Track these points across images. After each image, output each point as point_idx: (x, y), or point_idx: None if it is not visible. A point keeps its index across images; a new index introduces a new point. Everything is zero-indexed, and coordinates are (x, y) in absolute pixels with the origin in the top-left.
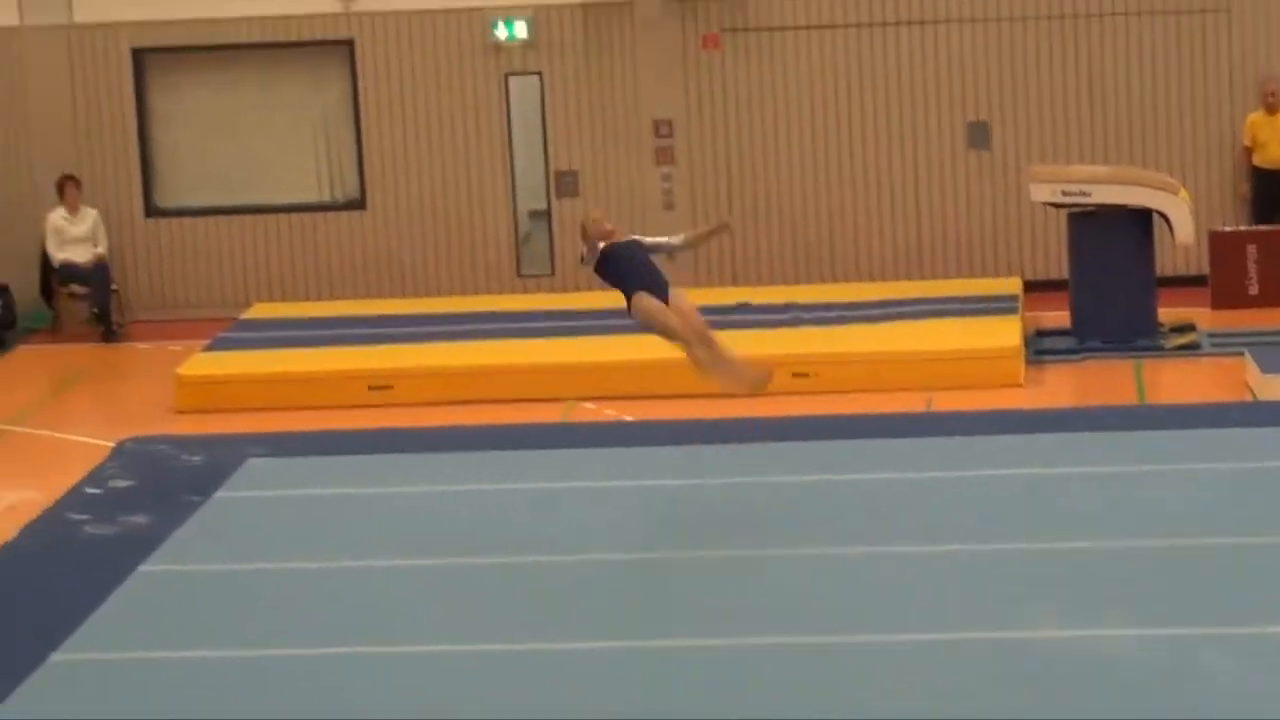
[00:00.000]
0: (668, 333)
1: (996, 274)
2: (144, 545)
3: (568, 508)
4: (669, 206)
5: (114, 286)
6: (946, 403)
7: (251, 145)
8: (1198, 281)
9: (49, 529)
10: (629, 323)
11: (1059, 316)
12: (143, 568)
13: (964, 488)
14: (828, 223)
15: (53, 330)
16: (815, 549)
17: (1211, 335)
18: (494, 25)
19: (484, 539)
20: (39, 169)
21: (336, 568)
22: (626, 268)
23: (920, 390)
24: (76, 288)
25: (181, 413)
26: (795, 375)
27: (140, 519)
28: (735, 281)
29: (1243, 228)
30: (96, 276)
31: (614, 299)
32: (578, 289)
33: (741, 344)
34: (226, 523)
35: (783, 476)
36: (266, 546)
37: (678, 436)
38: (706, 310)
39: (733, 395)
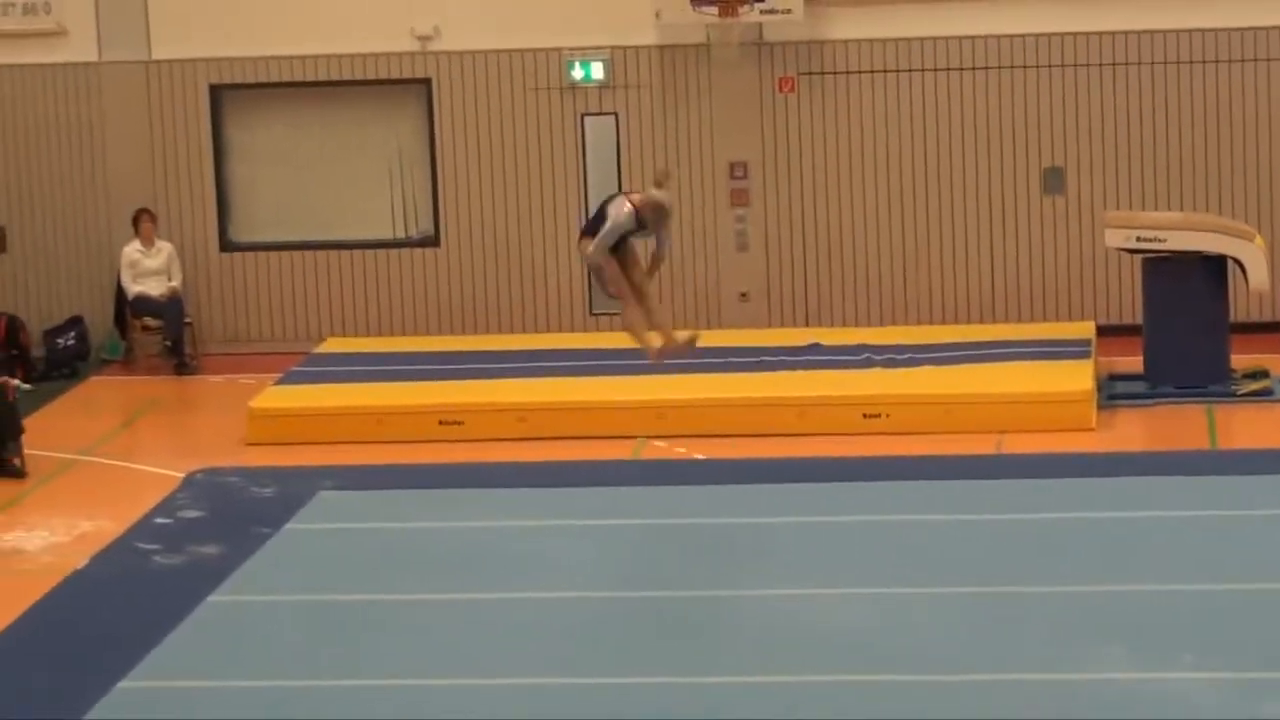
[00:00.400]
0: (614, 284)
1: (1070, 318)
2: (213, 575)
3: (637, 544)
4: (743, 248)
5: (187, 319)
6: (1017, 445)
7: (326, 181)
8: (1271, 328)
9: (119, 558)
10: (699, 362)
11: (1132, 361)
12: (211, 598)
13: (1033, 530)
14: (901, 265)
15: (126, 362)
16: (883, 588)
17: None
18: (570, 66)
19: (553, 574)
20: (115, 202)
21: (405, 601)
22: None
23: (991, 432)
24: (150, 320)
25: (253, 445)
26: (867, 416)
27: (210, 549)
28: (808, 322)
29: None
30: (170, 309)
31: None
32: (649, 328)
33: (813, 384)
34: (296, 554)
35: (853, 516)
36: (336, 579)
37: (747, 475)
38: (778, 351)
39: (667, 356)
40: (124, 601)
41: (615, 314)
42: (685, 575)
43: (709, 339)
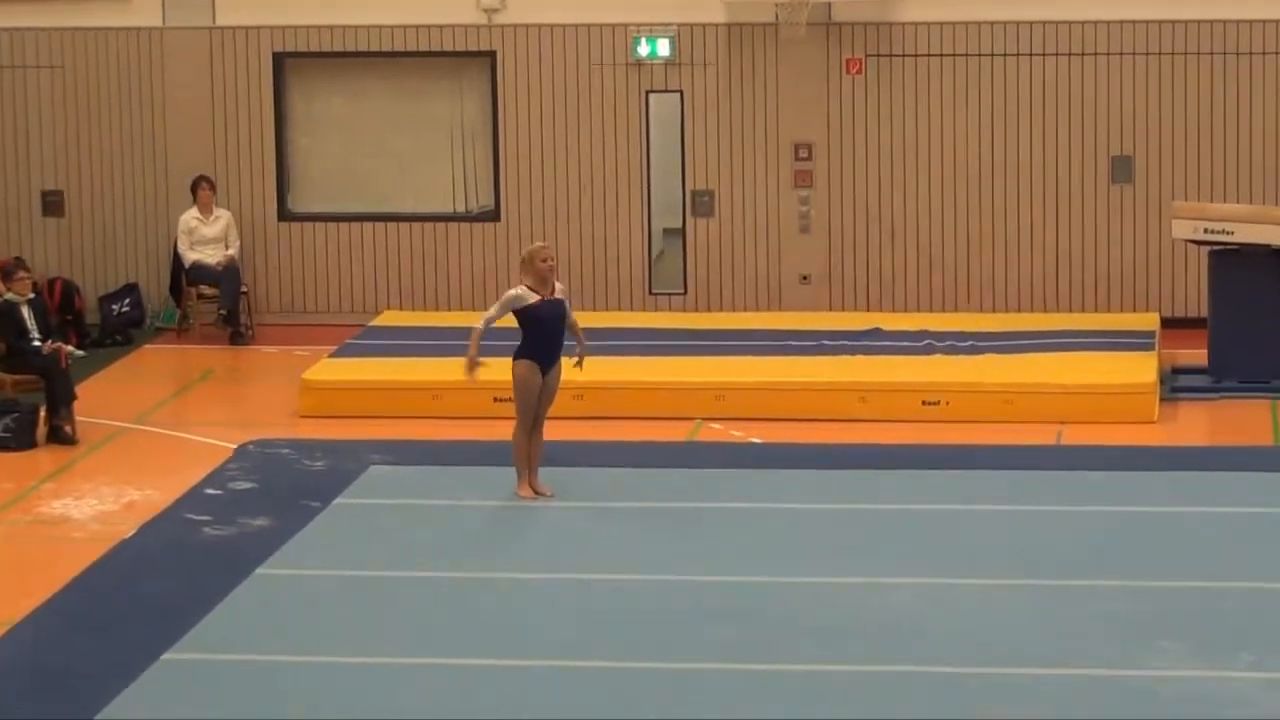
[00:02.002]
0: (523, 413)
1: (1134, 309)
2: (262, 548)
3: (692, 529)
4: (805, 230)
5: (244, 289)
6: (1077, 436)
7: (387, 153)
8: None
9: (167, 528)
10: (759, 344)
11: (1196, 354)
12: (260, 570)
13: (1092, 523)
14: (964, 251)
15: (180, 330)
16: (938, 578)
17: None
18: (636, 42)
19: (605, 557)
20: (174, 169)
21: (453, 578)
22: (548, 333)
23: (1052, 423)
24: (206, 288)
25: (305, 417)
26: (926, 403)
27: (260, 521)
28: (869, 307)
29: None
30: (226, 278)
31: (746, 321)
32: (709, 308)
33: (873, 370)
34: (346, 528)
35: (909, 504)
36: (386, 553)
37: (804, 460)
38: (839, 335)
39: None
40: (171, 572)
41: (676, 294)
42: (740, 561)
43: (770, 321)
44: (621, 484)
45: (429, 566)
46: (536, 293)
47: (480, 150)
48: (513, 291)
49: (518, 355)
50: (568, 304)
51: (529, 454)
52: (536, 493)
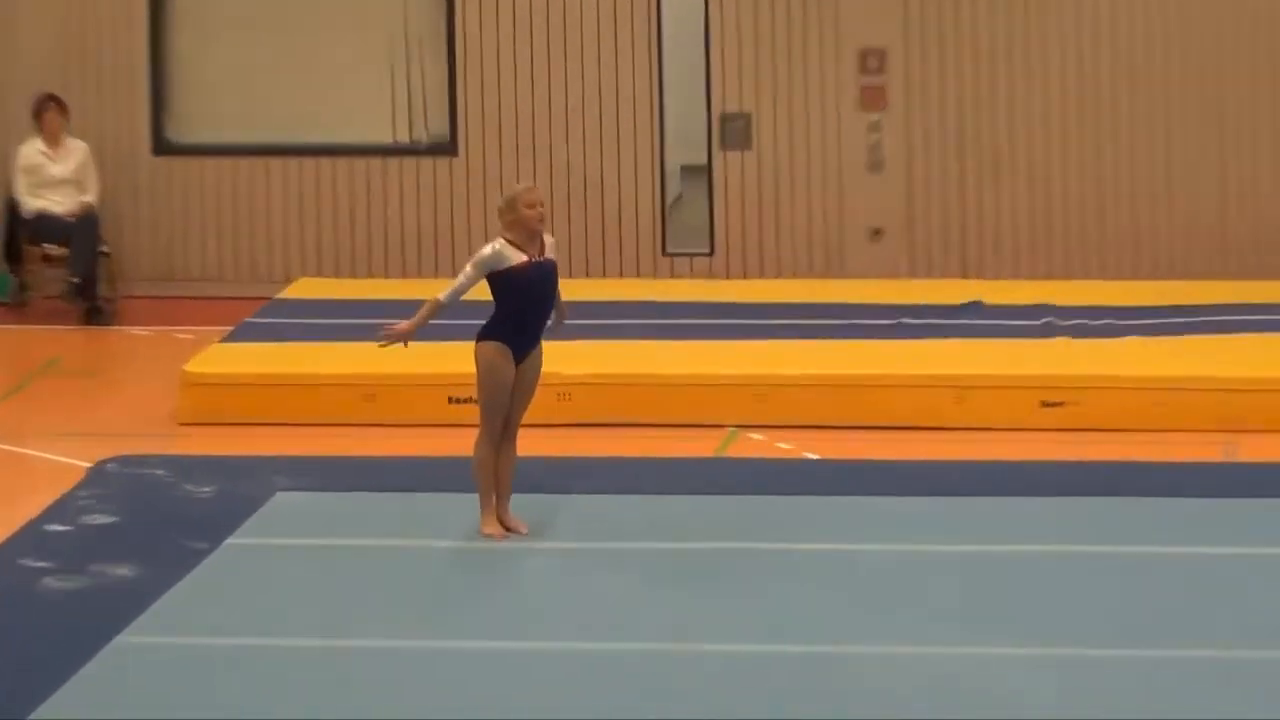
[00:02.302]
0: (489, 415)
1: None
2: (124, 607)
3: (722, 580)
4: (876, 166)
5: (103, 248)
6: (1253, 451)
7: (303, 64)
8: None
9: None
10: (814, 325)
11: None
12: (122, 638)
13: (1274, 572)
14: (1095, 196)
15: (17, 304)
16: (1064, 648)
17: None
18: None
19: (601, 620)
20: (11, 86)
21: (390, 649)
22: (532, 305)
23: (1218, 432)
24: (52, 248)
25: (187, 425)
26: (1045, 405)
27: (122, 570)
28: (964, 271)
29: None
30: (80, 233)
31: (794, 291)
32: (744, 274)
33: (971, 359)
34: (241, 580)
35: (1021, 544)
36: (296, 615)
37: (875, 483)
38: (923, 310)
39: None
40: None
41: (700, 254)
42: (789, 626)
43: (828, 291)
44: (624, 518)
45: (354, 633)
46: (522, 251)
47: (431, 61)
48: (488, 249)
49: (485, 334)
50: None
51: (497, 475)
52: (507, 529)
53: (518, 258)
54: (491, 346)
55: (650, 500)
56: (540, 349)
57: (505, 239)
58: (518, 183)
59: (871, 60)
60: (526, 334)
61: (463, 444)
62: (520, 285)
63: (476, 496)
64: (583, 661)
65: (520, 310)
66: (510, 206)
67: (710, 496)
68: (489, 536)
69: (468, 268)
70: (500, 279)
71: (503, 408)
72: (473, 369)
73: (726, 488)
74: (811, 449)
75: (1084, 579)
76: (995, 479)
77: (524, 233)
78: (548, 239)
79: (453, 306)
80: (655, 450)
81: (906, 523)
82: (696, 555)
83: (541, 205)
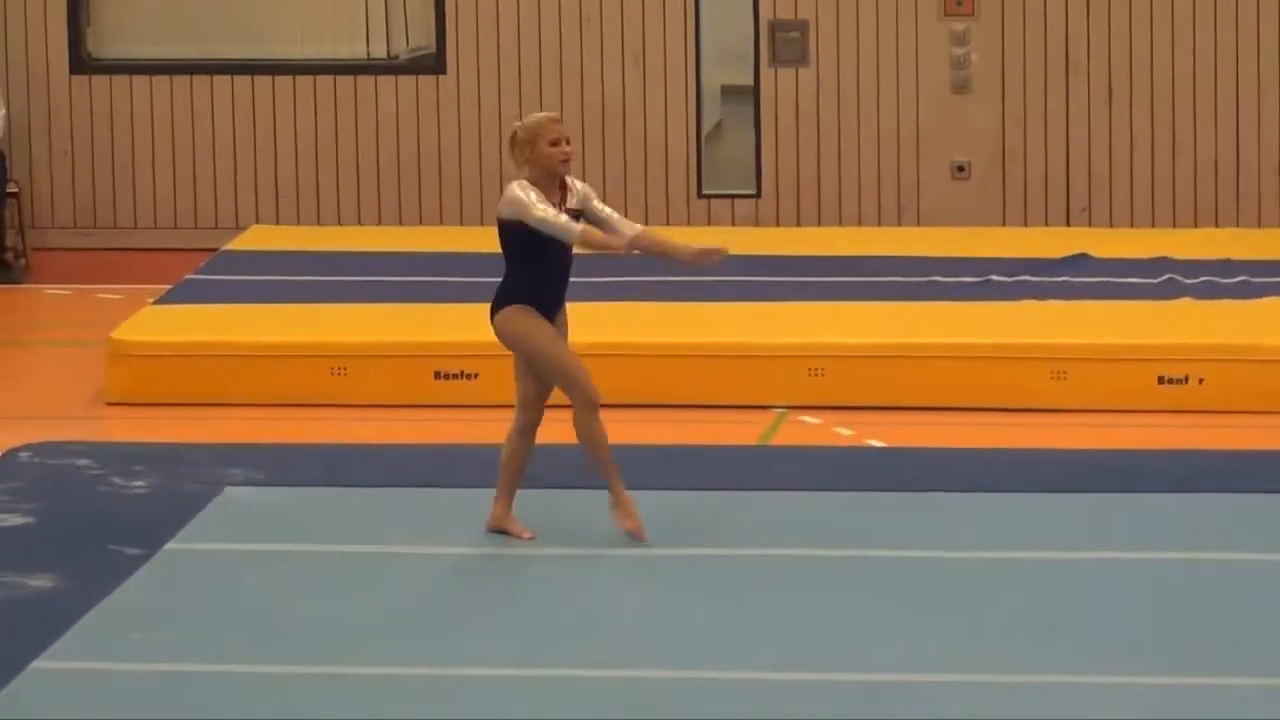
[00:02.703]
0: (569, 379)
1: None
2: (42, 627)
3: (771, 592)
4: (962, 87)
5: (12, 188)
6: None
7: None
8: None
9: None
10: (883, 281)
11: None
12: (38, 664)
13: None
14: (1229, 128)
15: None
16: (1204, 677)
17: None
18: None
19: (622, 640)
20: None
21: (363, 676)
22: (555, 262)
23: None
24: None
25: (115, 405)
26: (1166, 381)
27: (38, 581)
28: (1068, 217)
29: None
30: None
31: (860, 241)
32: (797, 221)
33: (1076, 324)
34: (182, 595)
35: (1144, 550)
36: (246, 638)
37: (957, 476)
38: (1018, 264)
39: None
40: None
41: (744, 196)
42: (852, 647)
43: (902, 241)
44: (648, 517)
45: (317, 658)
46: (543, 195)
47: None
48: (517, 192)
49: (503, 300)
50: (601, 207)
51: (506, 464)
52: (513, 532)
53: (545, 202)
54: (516, 312)
55: (680, 497)
56: (565, 315)
57: (524, 180)
58: (526, 110)
59: None
60: (547, 300)
61: (450, 429)
62: (539, 241)
63: (494, 489)
64: (589, 691)
65: (542, 268)
66: (530, 140)
67: (754, 493)
68: (511, 534)
69: (533, 209)
70: (516, 231)
71: (571, 364)
72: (459, 337)
73: (774, 482)
74: (877, 435)
75: (1209, 590)
76: (1103, 471)
77: (544, 173)
78: (577, 185)
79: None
80: (687, 437)
81: (993, 524)
82: (735, 563)
83: (569, 143)
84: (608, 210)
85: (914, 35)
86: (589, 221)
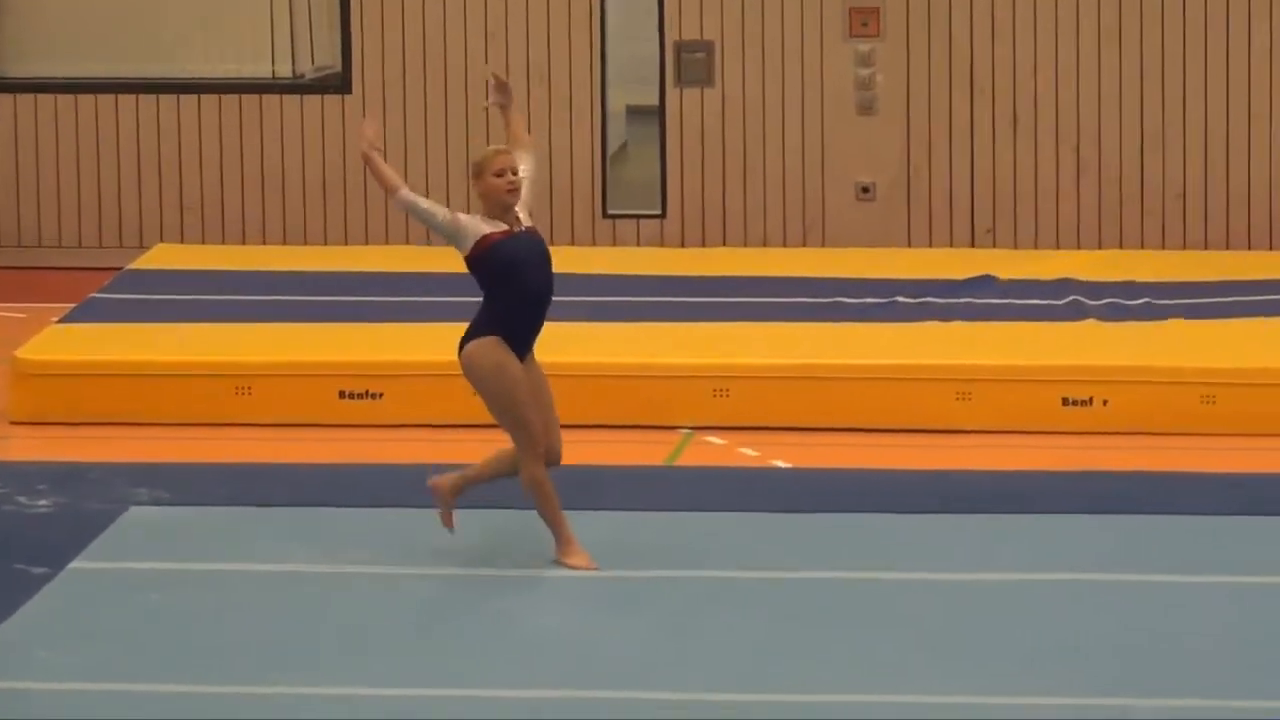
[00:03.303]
0: (522, 423)
1: None
2: None
3: (674, 614)
4: (867, 109)
5: None
6: None
7: None
8: None
9: None
10: (788, 302)
11: None
12: None
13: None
14: (1134, 144)
15: None
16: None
17: None
18: None
19: (536, 662)
20: None
21: (267, 697)
22: (530, 288)
23: (1276, 436)
24: None
25: (19, 424)
26: (1069, 403)
27: None
28: (973, 238)
29: None
30: None
31: (764, 262)
32: (702, 241)
33: (980, 346)
34: (86, 615)
35: (1041, 572)
36: (152, 658)
37: (861, 498)
38: (923, 286)
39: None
40: None
41: (648, 216)
42: (755, 668)
43: (807, 261)
44: (545, 538)
45: (223, 678)
46: (496, 223)
47: None
48: (464, 216)
49: (476, 332)
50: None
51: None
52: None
53: (495, 227)
54: (487, 343)
55: (585, 517)
56: (534, 355)
57: (480, 215)
58: (431, 128)
59: None
60: (528, 330)
61: (356, 448)
62: (512, 264)
63: (435, 512)
64: (484, 713)
65: (516, 296)
66: (478, 174)
67: (658, 513)
68: (578, 568)
69: (436, 207)
70: (483, 260)
71: (532, 410)
72: (366, 356)
73: (679, 503)
74: (782, 456)
75: (1112, 611)
76: (1007, 492)
77: (494, 206)
78: (523, 215)
79: (397, 204)
80: (592, 458)
81: (895, 545)
82: (637, 585)
83: (514, 173)
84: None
85: (819, 56)
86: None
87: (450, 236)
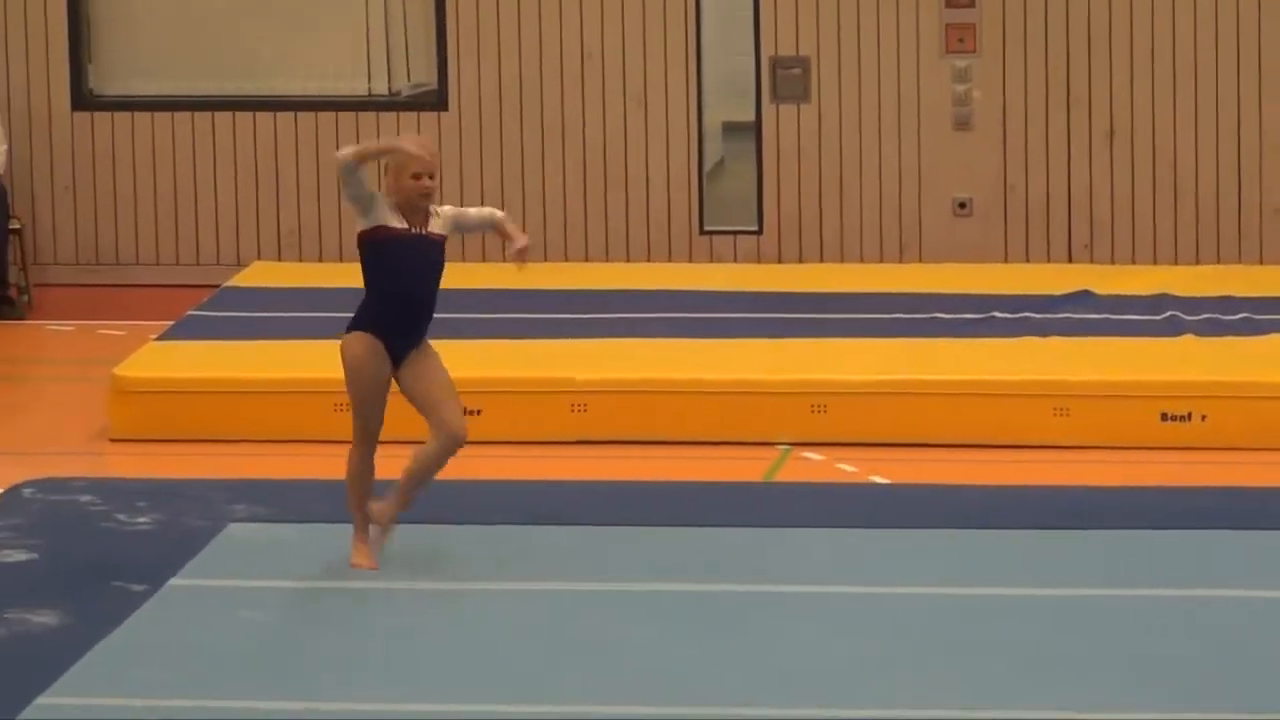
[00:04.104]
0: (362, 418)
1: None
2: (45, 663)
3: (770, 630)
4: (964, 124)
5: (14, 224)
6: None
7: (256, 0)
8: None
9: None
10: (885, 318)
11: None
12: (42, 700)
13: None
14: (1230, 164)
15: None
16: (1194, 714)
17: None
18: None
19: (623, 678)
20: None
21: (360, 714)
22: (406, 288)
23: None
24: None
25: (118, 441)
26: (1169, 418)
27: (42, 617)
28: (1070, 254)
29: None
30: None
31: (862, 278)
32: (799, 258)
33: (1078, 361)
34: (185, 631)
35: (1145, 588)
36: (250, 675)
37: (960, 513)
38: (1020, 301)
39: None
40: None
41: (745, 233)
42: (851, 685)
43: (904, 278)
44: (649, 555)
45: (322, 693)
46: (402, 218)
47: None
48: (381, 197)
49: (354, 323)
50: (467, 211)
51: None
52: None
53: (396, 222)
54: (356, 340)
55: (681, 534)
56: (429, 351)
57: (388, 202)
58: (528, 145)
59: None
60: (395, 330)
61: (454, 465)
62: (394, 259)
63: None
64: None
65: (392, 292)
66: (396, 171)
67: (756, 529)
68: (357, 568)
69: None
70: (371, 244)
71: (372, 413)
72: (463, 373)
73: (776, 519)
74: (880, 472)
75: (1213, 628)
76: (1106, 508)
77: (405, 201)
78: (443, 210)
79: (343, 170)
80: (689, 474)
81: (994, 562)
82: (733, 600)
83: (432, 178)
84: (470, 211)
85: (916, 71)
86: (467, 225)
87: (362, 203)
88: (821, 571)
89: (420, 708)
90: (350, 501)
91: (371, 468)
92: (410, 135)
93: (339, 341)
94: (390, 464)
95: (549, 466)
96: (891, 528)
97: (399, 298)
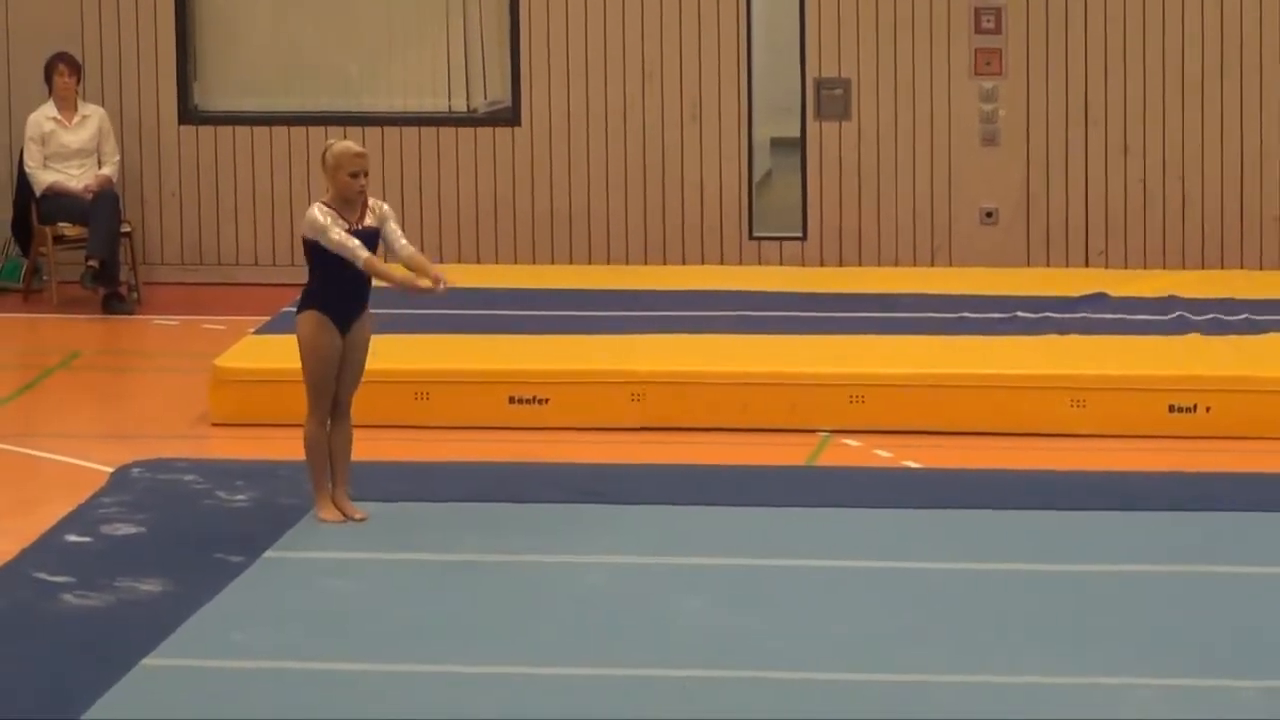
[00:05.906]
0: (316, 392)
1: None
2: (151, 627)
3: (811, 600)
4: (991, 140)
5: (125, 228)
6: None
7: (347, 24)
8: None
9: (8, 595)
10: (918, 317)
11: None
12: (148, 661)
13: None
14: (1235, 176)
15: (29, 291)
16: (1193, 679)
17: None
18: None
19: (661, 642)
20: (20, 44)
21: (455, 674)
22: (348, 273)
23: None
24: (67, 227)
25: (220, 426)
26: (1176, 410)
27: (148, 585)
28: (1087, 259)
29: None
30: (99, 212)
31: (897, 280)
32: (840, 261)
33: (1094, 357)
34: (279, 599)
35: (1155, 564)
36: (339, 639)
37: (986, 495)
38: (1042, 303)
39: None
40: (10, 663)
41: (790, 238)
42: (887, 653)
43: (935, 280)
44: (701, 532)
45: (405, 657)
46: (341, 217)
47: (491, 18)
48: (316, 215)
49: (302, 304)
50: (395, 230)
51: (331, 455)
52: (345, 515)
53: (339, 222)
54: (310, 317)
55: (731, 513)
56: (368, 319)
57: (324, 203)
58: (593, 160)
59: (987, 19)
60: (347, 301)
61: (524, 449)
62: (335, 258)
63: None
64: (641, 688)
65: (335, 277)
66: (334, 169)
67: (799, 509)
68: (325, 521)
69: (329, 233)
70: (314, 249)
71: (328, 383)
72: (533, 365)
73: (817, 500)
74: (913, 457)
75: (1215, 602)
76: (1117, 492)
77: (339, 197)
78: (381, 206)
79: (353, 261)
80: (737, 458)
81: (1017, 540)
82: (779, 573)
83: (365, 176)
84: (398, 233)
85: (947, 92)
86: (388, 238)
87: (331, 244)
88: (859, 548)
89: (492, 669)
90: (315, 469)
91: (326, 435)
92: (339, 140)
93: (411, 338)
94: (367, 446)
95: (610, 451)
96: (923, 508)
97: (342, 283)
